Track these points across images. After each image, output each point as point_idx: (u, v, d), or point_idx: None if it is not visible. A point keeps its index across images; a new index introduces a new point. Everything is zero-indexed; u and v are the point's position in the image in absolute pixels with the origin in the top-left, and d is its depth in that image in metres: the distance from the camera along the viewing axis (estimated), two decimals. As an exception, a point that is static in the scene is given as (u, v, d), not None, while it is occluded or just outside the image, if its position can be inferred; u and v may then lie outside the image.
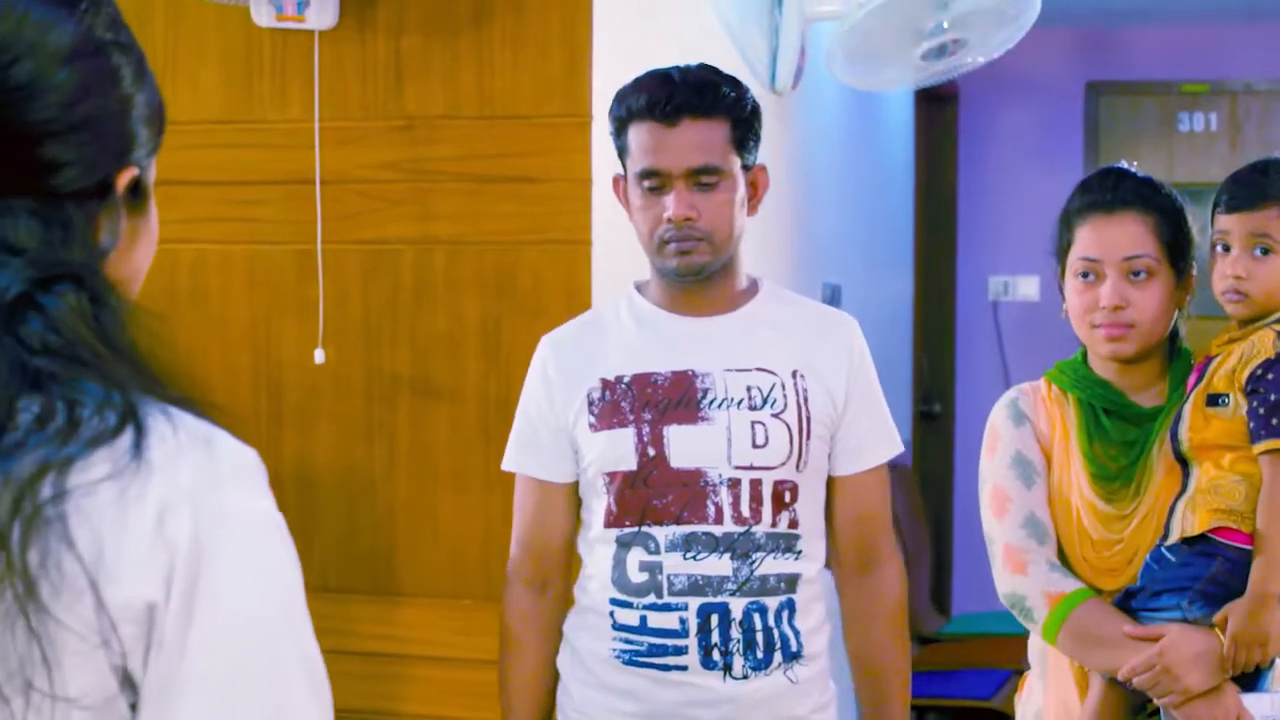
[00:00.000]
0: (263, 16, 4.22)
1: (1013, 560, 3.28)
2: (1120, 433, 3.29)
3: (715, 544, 3.19)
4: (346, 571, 4.38)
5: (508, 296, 4.25)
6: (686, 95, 3.20)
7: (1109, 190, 3.31)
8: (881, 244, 8.02)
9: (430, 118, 4.30)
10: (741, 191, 3.25)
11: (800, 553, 3.26)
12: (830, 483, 3.35)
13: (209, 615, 1.40)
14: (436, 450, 4.32)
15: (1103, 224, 3.28)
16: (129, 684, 1.40)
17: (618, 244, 4.28)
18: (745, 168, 3.26)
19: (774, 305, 3.37)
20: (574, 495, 3.37)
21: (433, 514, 4.33)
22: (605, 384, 3.29)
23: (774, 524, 3.22)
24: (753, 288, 3.38)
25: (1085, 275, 3.28)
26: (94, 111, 1.50)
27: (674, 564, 3.20)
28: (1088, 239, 3.29)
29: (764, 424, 3.22)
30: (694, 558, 3.19)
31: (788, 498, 3.24)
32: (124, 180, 1.53)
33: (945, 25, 5.23)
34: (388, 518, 4.36)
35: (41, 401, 1.39)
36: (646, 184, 3.23)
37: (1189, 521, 3.11)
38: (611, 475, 3.25)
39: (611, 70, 4.25)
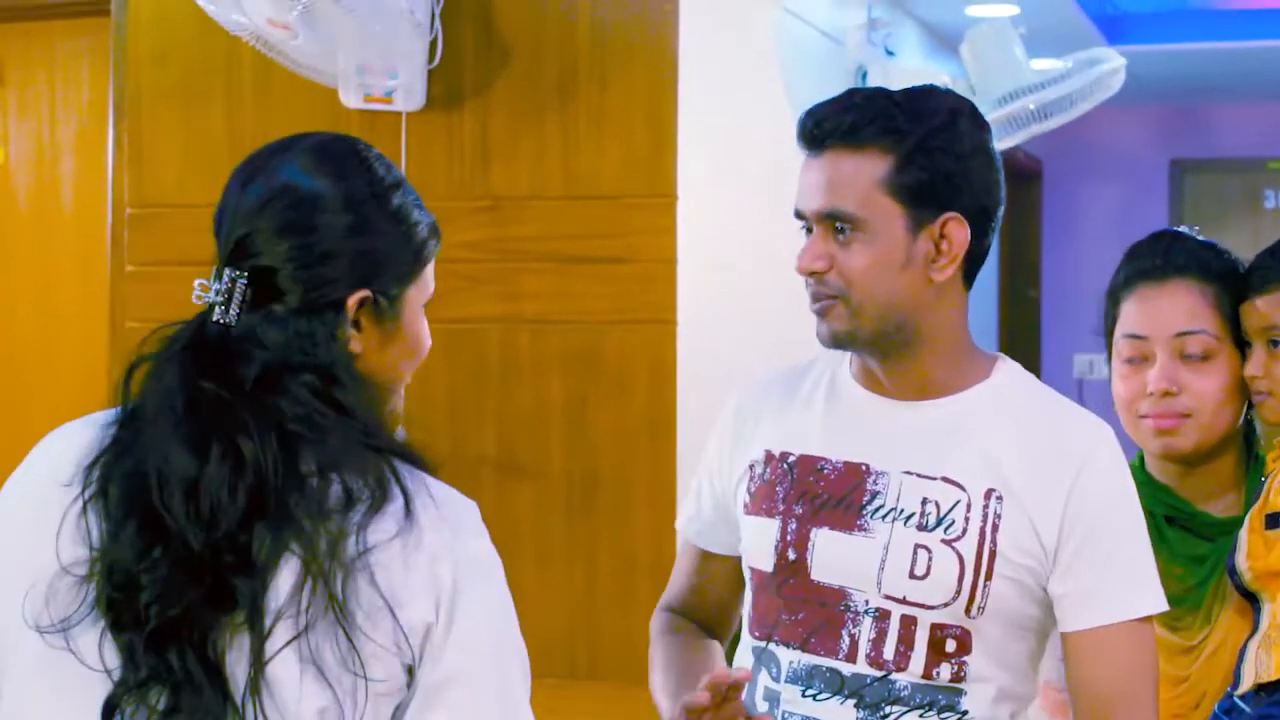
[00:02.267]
0: (351, 98, 4.26)
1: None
2: (1187, 546, 2.74)
3: (840, 685, 2.49)
4: (431, 649, 4.37)
5: (592, 376, 4.26)
6: (834, 118, 2.49)
7: (1158, 256, 2.76)
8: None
9: (516, 198, 4.33)
10: (903, 248, 2.46)
11: (965, 715, 2.47)
12: (1063, 641, 2.52)
13: (462, 629, 1.96)
14: (521, 528, 4.32)
15: (1151, 295, 2.75)
16: (411, 675, 1.95)
17: (703, 323, 4.28)
18: (919, 222, 2.47)
19: (999, 397, 2.56)
20: (740, 570, 2.71)
21: (517, 592, 4.29)
22: (769, 458, 2.61)
23: (928, 675, 2.46)
24: (983, 368, 2.60)
25: (1130, 358, 2.77)
26: (314, 259, 2.02)
27: (791, 699, 2.53)
28: (1133, 314, 2.76)
29: (929, 550, 2.47)
30: (814, 696, 2.51)
31: (951, 647, 2.46)
32: (352, 302, 2.03)
33: (1031, 109, 5.25)
34: (472, 596, 4.35)
35: (321, 477, 1.94)
36: (799, 225, 2.55)
37: (1263, 664, 2.56)
38: (754, 571, 2.61)
39: (697, 150, 4.27)
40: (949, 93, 2.56)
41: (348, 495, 1.93)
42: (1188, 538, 2.75)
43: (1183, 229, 2.86)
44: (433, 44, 4.30)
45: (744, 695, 2.51)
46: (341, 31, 4.11)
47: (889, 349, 2.52)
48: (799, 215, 2.52)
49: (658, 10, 4.22)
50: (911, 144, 2.46)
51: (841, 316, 2.48)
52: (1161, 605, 2.48)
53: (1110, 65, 5.45)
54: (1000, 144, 5.81)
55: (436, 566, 1.96)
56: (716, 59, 4.52)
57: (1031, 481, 2.47)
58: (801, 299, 2.52)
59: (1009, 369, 2.61)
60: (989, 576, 2.44)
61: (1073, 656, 2.48)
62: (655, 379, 4.19)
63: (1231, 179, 9.34)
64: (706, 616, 2.80)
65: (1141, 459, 2.82)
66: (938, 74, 5.75)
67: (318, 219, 2.04)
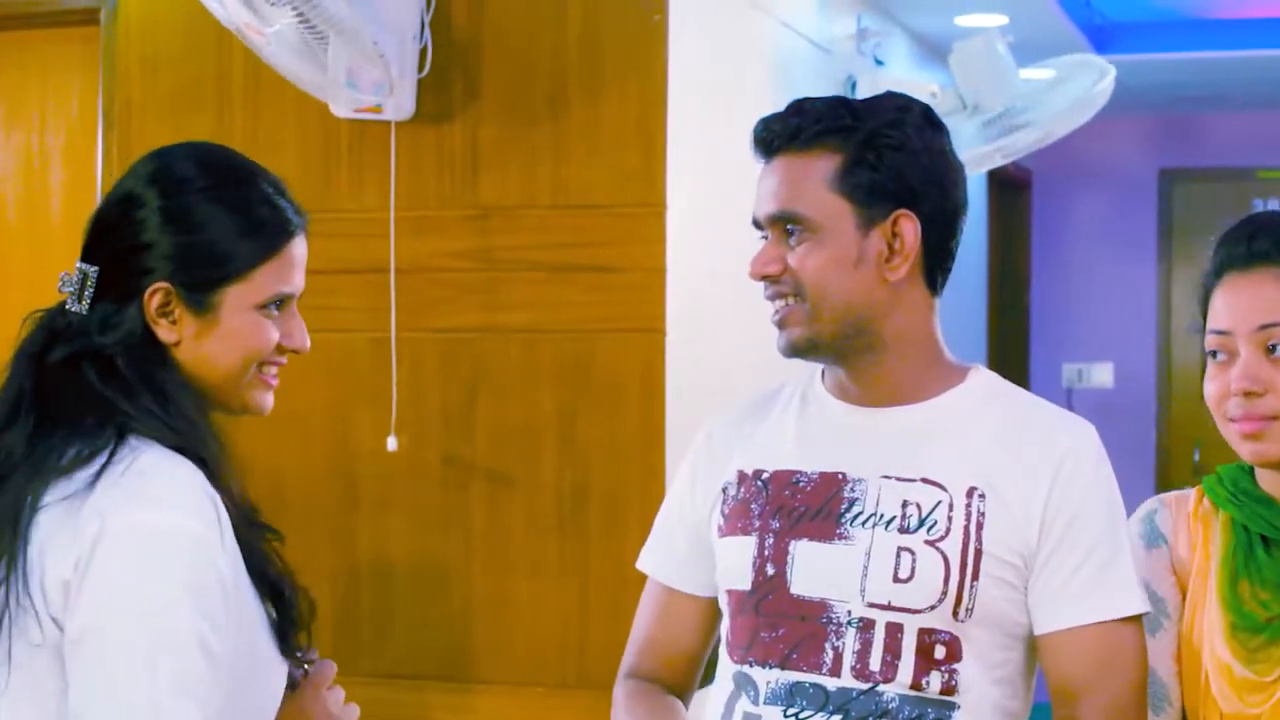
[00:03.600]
0: (341, 107, 4.26)
1: None
2: (1277, 570, 2.44)
3: (824, 701, 2.40)
4: (421, 659, 4.38)
5: (582, 385, 4.26)
6: (781, 123, 2.50)
7: (1244, 242, 2.47)
8: (954, 331, 7.99)
9: (506, 207, 4.33)
10: (854, 247, 2.44)
11: None
12: (1038, 643, 2.48)
13: (93, 588, 2.05)
14: (512, 539, 4.32)
15: (1236, 286, 2.45)
16: (62, 630, 2.07)
17: (692, 333, 4.29)
18: (870, 219, 2.45)
19: (974, 400, 2.52)
20: (711, 613, 2.65)
21: (508, 602, 4.33)
22: (742, 478, 2.56)
23: (916, 685, 2.38)
24: (956, 376, 2.55)
25: (1215, 354, 2.47)
26: (117, 254, 2.22)
27: None
28: (1219, 306, 2.47)
29: (913, 552, 2.40)
30: (796, 715, 2.41)
31: (940, 654, 2.39)
32: (149, 294, 2.19)
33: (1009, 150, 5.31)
34: (463, 606, 4.36)
35: (61, 447, 2.13)
36: (759, 235, 2.53)
37: None
38: (730, 594, 2.54)
39: (686, 160, 4.28)
40: (902, 95, 2.54)
41: (70, 462, 2.11)
42: None
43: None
44: (422, 53, 4.30)
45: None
46: (330, 42, 4.11)
47: (851, 354, 2.49)
48: (756, 224, 2.52)
49: (648, 21, 4.22)
50: (858, 140, 2.44)
51: (799, 321, 2.46)
52: (1138, 607, 2.41)
53: (1101, 85, 5.47)
54: (994, 163, 5.84)
55: (85, 527, 2.07)
56: (707, 69, 4.52)
57: (1014, 478, 2.42)
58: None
59: (984, 375, 2.57)
60: (975, 576, 2.39)
61: (1047, 657, 2.44)
62: (645, 388, 4.19)
63: (1221, 188, 9.35)
64: (671, 672, 2.69)
65: (1252, 468, 2.53)
66: (927, 84, 5.77)
67: (134, 213, 2.21)
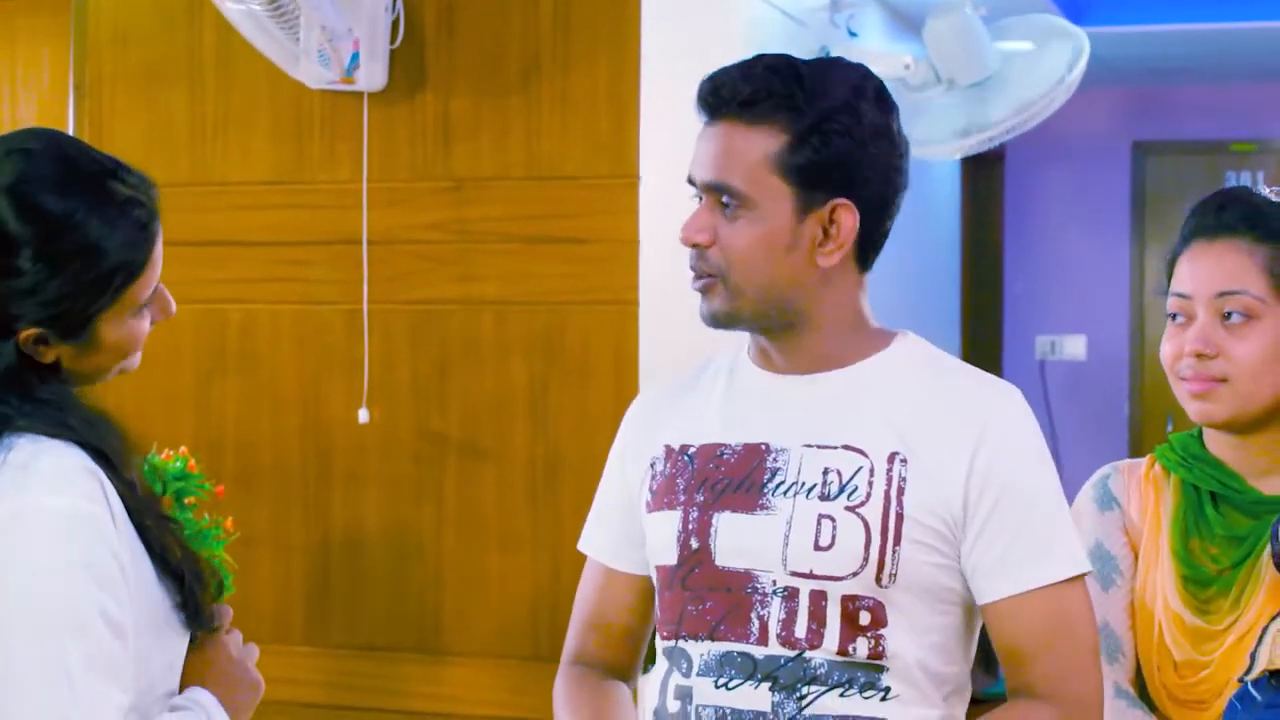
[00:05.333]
0: (312, 79, 4.25)
1: None
2: (1227, 525, 2.58)
3: (753, 669, 2.40)
4: (394, 631, 4.38)
5: (555, 357, 4.26)
6: (731, 86, 2.44)
7: (1212, 212, 2.62)
8: (928, 304, 8.01)
9: (478, 179, 4.33)
10: (788, 230, 2.40)
11: (888, 692, 2.39)
12: (982, 612, 2.46)
13: None
14: (484, 511, 4.32)
15: (1201, 253, 2.61)
16: None
17: (665, 305, 4.29)
18: (808, 205, 2.39)
19: (897, 365, 2.48)
20: (650, 591, 2.62)
21: (480, 574, 4.33)
22: (669, 453, 2.54)
23: (843, 651, 2.37)
24: (881, 341, 2.50)
25: (1175, 316, 2.63)
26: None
27: (704, 692, 2.42)
28: (1183, 271, 2.63)
29: (833, 519, 2.38)
30: (726, 685, 2.41)
31: (865, 620, 2.37)
32: (22, 337, 2.18)
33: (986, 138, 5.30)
34: (435, 578, 4.36)
35: None
36: (691, 193, 2.48)
37: (1279, 650, 2.45)
38: (659, 570, 2.53)
39: (659, 131, 4.27)
40: (857, 68, 2.47)
41: None
42: (1231, 516, 2.59)
43: (1262, 187, 2.69)
44: (395, 24, 4.29)
45: (655, 697, 2.50)
46: (302, 13, 4.10)
47: (773, 328, 2.47)
48: (690, 182, 2.46)
49: (620, -9, 4.22)
50: (806, 124, 2.38)
51: (721, 296, 2.43)
52: (1081, 566, 2.40)
53: (1078, 69, 5.47)
54: (978, 149, 5.85)
55: None
56: (679, 40, 4.52)
57: (934, 443, 2.39)
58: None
59: (910, 340, 2.52)
60: (897, 541, 2.37)
61: (992, 624, 2.42)
62: (617, 360, 4.19)
63: (1194, 161, 9.36)
64: (614, 652, 2.68)
65: (1200, 431, 2.68)
66: (901, 56, 5.77)
67: (7, 260, 2.16)
